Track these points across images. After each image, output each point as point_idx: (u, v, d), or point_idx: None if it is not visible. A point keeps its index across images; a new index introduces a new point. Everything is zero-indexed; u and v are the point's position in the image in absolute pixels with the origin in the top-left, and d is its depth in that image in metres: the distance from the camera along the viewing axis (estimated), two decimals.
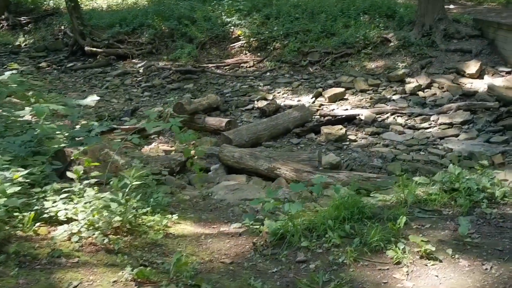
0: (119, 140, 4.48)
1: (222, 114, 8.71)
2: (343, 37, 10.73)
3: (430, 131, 7.69)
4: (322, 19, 11.41)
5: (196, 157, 4.89)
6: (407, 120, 8.15)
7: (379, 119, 8.18)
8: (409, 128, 7.88)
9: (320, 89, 9.45)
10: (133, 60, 11.77)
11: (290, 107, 8.69)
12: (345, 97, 9.17)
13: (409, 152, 7.01)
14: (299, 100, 9.22)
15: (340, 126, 7.63)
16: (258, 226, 3.24)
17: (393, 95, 9.18)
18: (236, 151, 6.06)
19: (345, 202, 3.22)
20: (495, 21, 10.02)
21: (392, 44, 10.54)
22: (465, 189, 3.33)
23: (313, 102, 9.07)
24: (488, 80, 9.07)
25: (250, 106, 9.05)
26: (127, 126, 5.87)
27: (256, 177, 5.81)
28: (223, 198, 4.54)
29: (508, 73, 9.24)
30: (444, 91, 9.06)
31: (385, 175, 6.20)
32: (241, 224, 3.39)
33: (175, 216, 3.39)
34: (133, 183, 3.21)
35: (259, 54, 11.38)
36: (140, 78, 10.74)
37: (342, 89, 9.26)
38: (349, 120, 8.18)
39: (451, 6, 12.54)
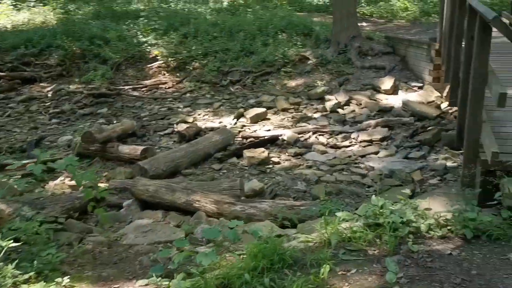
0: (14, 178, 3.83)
1: (139, 140, 8.11)
2: (262, 56, 10.57)
3: (352, 149, 7.61)
4: (241, 37, 11.21)
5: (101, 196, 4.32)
6: (329, 138, 8.03)
7: (302, 139, 7.99)
8: (331, 147, 7.75)
9: (242, 110, 9.15)
10: (41, 84, 10.80)
11: (212, 129, 8.30)
12: (267, 117, 8.94)
13: (332, 172, 6.85)
14: (220, 122, 8.84)
15: (263, 149, 7.33)
16: (167, 283, 2.78)
17: (314, 113, 9.09)
18: (151, 184, 5.53)
19: (264, 249, 2.84)
20: (406, 38, 10.31)
21: (310, 62, 10.52)
22: (390, 223, 3.08)
23: (235, 123, 8.74)
24: (402, 95, 9.25)
25: (169, 130, 8.53)
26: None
27: (174, 212, 5.32)
28: (133, 243, 4.02)
29: (420, 88, 9.49)
30: (362, 108, 9.10)
31: (310, 199, 6.01)
32: (147, 281, 2.91)
33: (66, 279, 2.83)
34: (9, 244, 2.62)
35: (178, 74, 10.92)
36: (48, 104, 9.83)
37: (263, 109, 9.02)
38: (272, 141, 7.92)
39: (364, 24, 12.85)
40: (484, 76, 3.51)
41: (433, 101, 8.80)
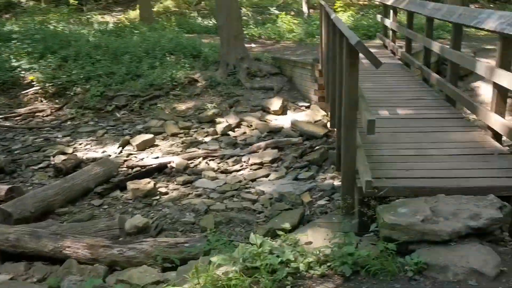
0: None
1: (8, 177, 7.16)
2: (150, 79, 10.07)
3: (242, 174, 7.38)
4: (127, 60, 10.60)
5: None
6: (219, 163, 7.74)
7: (192, 165, 7.61)
8: (222, 172, 7.46)
9: (128, 137, 8.55)
10: None
11: (94, 160, 7.60)
12: (155, 143, 8.43)
13: (223, 200, 6.54)
14: (104, 151, 8.15)
15: (148, 180, 6.82)
16: None
17: (205, 137, 8.77)
18: (12, 231, 4.77)
19: None
20: (291, 59, 10.46)
21: (200, 84, 10.23)
22: (267, 266, 2.81)
23: (120, 152, 8.11)
24: (291, 115, 9.30)
25: (45, 164, 7.65)
26: None
27: (40, 262, 4.61)
28: None
29: (307, 107, 9.63)
30: (253, 129, 8.98)
31: (199, 231, 5.64)
32: None
33: None
34: None
35: (57, 101, 9.99)
36: None
37: (151, 135, 8.49)
38: (160, 170, 7.43)
39: (253, 45, 12.90)
40: (355, 100, 3.43)
41: (320, 120, 8.94)
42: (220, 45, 10.86)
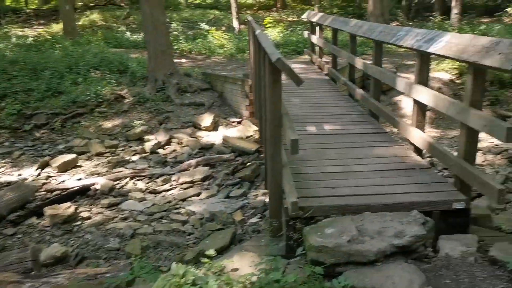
0: None
1: None
2: (73, 96, 9.51)
3: (172, 193, 7.09)
4: (47, 76, 9.96)
5: None
6: (148, 183, 7.39)
7: (118, 187, 7.20)
8: (151, 192, 7.12)
9: (48, 158, 7.96)
10: None
11: (9, 184, 6.97)
12: (79, 164, 7.92)
13: (151, 222, 6.21)
14: (20, 175, 7.53)
15: (69, 204, 6.33)
16: None
17: (132, 155, 8.38)
18: None
19: None
20: (222, 74, 10.34)
21: (127, 100, 9.82)
22: None
23: (38, 174, 7.52)
24: (222, 131, 9.15)
25: None
26: None
27: None
28: None
29: (239, 123, 9.52)
30: (184, 147, 8.71)
31: (124, 258, 5.28)
32: None
33: None
34: None
35: None
36: None
37: (73, 156, 7.97)
38: (82, 192, 6.95)
39: (183, 60, 12.67)
40: (278, 118, 3.33)
41: (252, 135, 8.85)
42: (148, 60, 10.52)
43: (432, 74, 11.12)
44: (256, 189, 7.05)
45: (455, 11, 19.13)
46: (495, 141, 9.14)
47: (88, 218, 6.27)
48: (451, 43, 3.62)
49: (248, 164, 7.68)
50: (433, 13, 22.63)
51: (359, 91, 6.24)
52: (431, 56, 4.09)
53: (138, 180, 7.47)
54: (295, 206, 3.09)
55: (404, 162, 4.20)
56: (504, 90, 10.82)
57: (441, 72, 11.06)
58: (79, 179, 7.38)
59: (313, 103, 6.58)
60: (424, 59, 4.24)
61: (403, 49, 12.38)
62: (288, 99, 6.83)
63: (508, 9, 22.39)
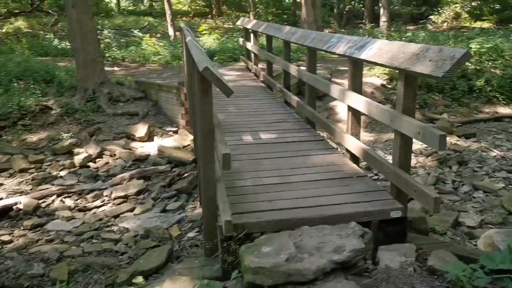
0: None
1: None
2: None
3: (104, 210, 6.64)
4: None
5: None
6: (77, 200, 6.89)
7: (44, 205, 6.65)
8: (80, 210, 6.63)
9: None
10: None
11: None
12: None
13: (80, 243, 5.75)
14: None
15: None
16: None
17: (60, 170, 7.80)
18: None
19: None
20: (156, 83, 9.95)
21: (54, 112, 9.17)
22: None
23: None
24: (158, 141, 8.77)
25: None
26: None
27: None
28: None
29: (175, 132, 9.18)
30: (117, 159, 8.25)
31: (49, 284, 4.82)
32: None
33: None
34: None
35: None
36: None
37: None
38: (3, 214, 6.35)
39: (116, 68, 12.11)
40: (210, 130, 3.10)
41: (189, 145, 8.54)
42: (76, 69, 9.92)
43: (364, 79, 11.33)
44: (194, 201, 6.77)
45: (383, 19, 19.88)
46: None
47: (9, 242, 5.71)
48: (382, 50, 3.56)
49: (185, 175, 7.38)
50: (363, 21, 23.41)
51: (295, 98, 6.15)
52: (364, 62, 4.04)
53: (66, 197, 6.95)
54: (229, 225, 2.87)
55: (341, 171, 4.11)
56: (431, 94, 11.25)
57: (373, 77, 11.32)
58: (0, 199, 6.75)
59: (250, 111, 6.42)
60: (357, 66, 4.18)
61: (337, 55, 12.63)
62: (224, 108, 6.62)
63: (431, 17, 23.62)
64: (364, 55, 3.78)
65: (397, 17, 24.56)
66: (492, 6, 24.07)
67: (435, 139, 2.81)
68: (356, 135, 4.32)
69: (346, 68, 11.13)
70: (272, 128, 5.56)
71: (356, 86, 4.23)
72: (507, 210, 6.42)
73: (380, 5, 21.20)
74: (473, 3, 24.14)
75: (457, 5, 23.38)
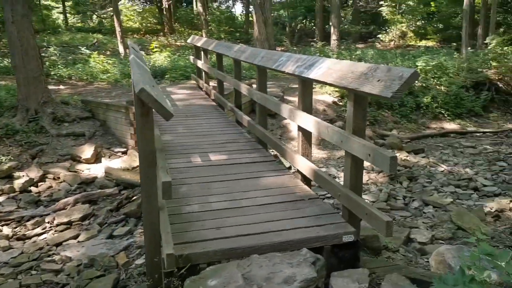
0: None
1: None
2: None
3: (45, 238, 6.19)
4: None
5: None
6: (16, 228, 6.40)
7: None
8: (19, 239, 6.14)
9: None
10: None
11: None
12: None
13: (17, 275, 5.29)
14: None
15: None
16: None
17: None
18: None
19: None
20: (103, 102, 9.57)
21: None
22: None
23: None
24: (105, 163, 8.37)
25: None
26: None
27: None
28: None
29: (124, 153, 8.82)
30: (61, 182, 7.79)
31: None
32: None
33: None
34: None
35: None
36: None
37: None
38: None
39: (61, 87, 11.60)
40: (151, 155, 2.88)
41: (138, 166, 8.20)
42: (17, 87, 9.38)
43: (316, 96, 11.44)
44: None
45: (334, 37, 20.33)
46: None
47: None
48: (331, 69, 3.49)
49: (134, 198, 7.04)
50: (314, 39, 23.86)
51: (246, 118, 6.02)
52: (313, 81, 3.96)
53: (3, 225, 6.44)
54: (171, 260, 2.65)
55: (293, 193, 3.98)
56: (381, 111, 11.48)
57: (325, 95, 11.42)
58: None
59: (199, 132, 6.21)
60: (306, 85, 4.10)
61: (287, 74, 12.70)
62: (173, 128, 6.40)
63: (379, 36, 24.42)
64: (313, 74, 3.69)
65: (347, 35, 25.22)
66: (435, 25, 25.22)
67: (386, 161, 2.73)
68: (307, 156, 4.22)
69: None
70: (222, 149, 5.38)
71: (306, 105, 4.14)
72: (456, 224, 6.52)
73: (330, 24, 21.69)
74: (418, 23, 25.20)
75: (403, 24, 24.31)
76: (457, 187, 8.11)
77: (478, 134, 11.22)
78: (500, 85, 12.58)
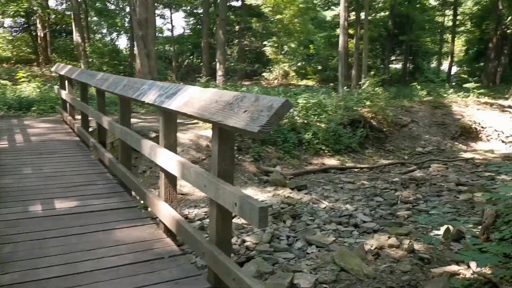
0: None
1: None
2: None
3: None
4: None
5: None
6: None
7: None
8: None
9: None
10: None
11: None
12: None
13: None
14: None
15: None
16: None
17: None
18: None
19: None
20: None
21: None
22: None
23: None
24: None
25: None
26: None
27: None
28: None
29: None
30: None
31: None
32: None
33: None
34: None
35: None
36: None
37: None
38: None
39: None
40: None
41: None
42: None
43: (199, 132, 10.84)
44: None
45: (219, 73, 20.19)
46: (260, 197, 9.13)
47: None
48: (194, 98, 2.85)
49: None
50: (201, 75, 23.57)
51: (107, 155, 5.10)
52: (174, 113, 3.29)
53: None
54: None
55: (151, 250, 3.18)
56: (265, 147, 11.20)
57: (208, 130, 10.84)
58: None
59: (51, 172, 5.13)
60: (169, 117, 3.41)
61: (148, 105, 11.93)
62: (18, 168, 5.23)
63: (264, 74, 24.95)
64: (175, 104, 3.02)
65: (233, 72, 25.37)
66: (314, 66, 26.55)
67: (255, 212, 2.12)
68: (171, 202, 3.48)
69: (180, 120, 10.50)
70: (74, 193, 4.39)
71: (170, 142, 3.44)
72: (339, 266, 6.19)
73: (216, 60, 21.57)
74: (298, 64, 26.32)
75: (285, 64, 25.16)
76: (338, 224, 7.93)
77: (356, 170, 11.46)
78: (373, 123, 13.18)
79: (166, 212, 3.34)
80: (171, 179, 3.45)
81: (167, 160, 3.25)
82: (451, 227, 7.04)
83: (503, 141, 13.93)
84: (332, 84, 20.77)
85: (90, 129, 6.92)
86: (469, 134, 13.67)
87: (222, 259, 2.47)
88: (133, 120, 9.88)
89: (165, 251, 3.16)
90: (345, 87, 17.52)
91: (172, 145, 3.44)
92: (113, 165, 4.78)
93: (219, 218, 2.61)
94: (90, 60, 22.06)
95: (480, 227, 6.42)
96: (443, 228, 6.57)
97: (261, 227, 2.13)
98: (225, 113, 2.40)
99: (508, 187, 3.71)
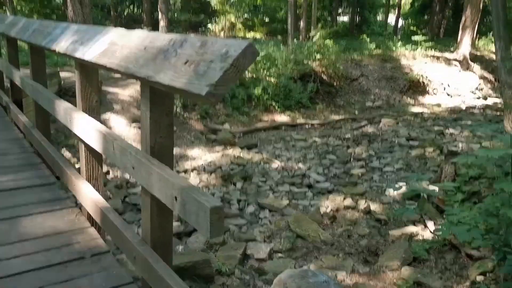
0: None
1: None
2: None
3: None
4: None
5: None
6: None
7: None
8: None
9: None
10: None
11: None
12: None
13: None
14: None
15: None
16: None
17: None
18: None
19: None
20: None
21: None
22: None
23: None
24: None
25: None
26: None
27: None
28: None
29: None
30: None
31: None
32: None
33: None
34: None
35: None
36: None
37: None
38: None
39: None
40: None
41: None
42: None
43: None
44: None
45: (162, 24, 18.73)
46: (208, 157, 8.41)
47: None
48: (115, 45, 2.03)
49: None
50: (141, 25, 21.89)
51: (22, 119, 4.14)
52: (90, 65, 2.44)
53: None
54: None
55: (68, 246, 2.41)
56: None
57: None
58: None
59: None
60: (87, 71, 2.56)
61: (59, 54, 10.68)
62: None
63: (209, 25, 23.58)
64: (90, 53, 2.18)
65: (176, 23, 23.78)
66: (262, 18, 25.44)
67: (204, 215, 1.41)
68: (96, 180, 2.69)
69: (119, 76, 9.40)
70: None
71: (90, 104, 2.60)
72: (294, 232, 5.71)
73: (158, 10, 19.95)
74: (245, 15, 25.09)
75: (231, 15, 23.89)
76: (291, 185, 7.43)
77: (307, 126, 10.96)
78: (324, 77, 12.63)
79: (87, 196, 2.55)
80: (94, 153, 2.64)
81: (86, 128, 2.43)
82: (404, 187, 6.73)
83: (448, 94, 13.91)
84: (280, 36, 19.89)
85: (8, 86, 5.80)
86: (417, 88, 13.50)
87: (161, 272, 1.76)
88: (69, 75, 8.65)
89: (87, 247, 2.39)
90: (295, 40, 16.75)
91: (93, 108, 2.61)
92: (28, 131, 3.85)
93: (154, 213, 1.87)
94: (18, 7, 19.73)
95: (437, 185, 6.10)
96: (398, 186, 6.21)
97: (213, 237, 1.43)
98: (158, 66, 1.61)
99: (486, 151, 3.24)
